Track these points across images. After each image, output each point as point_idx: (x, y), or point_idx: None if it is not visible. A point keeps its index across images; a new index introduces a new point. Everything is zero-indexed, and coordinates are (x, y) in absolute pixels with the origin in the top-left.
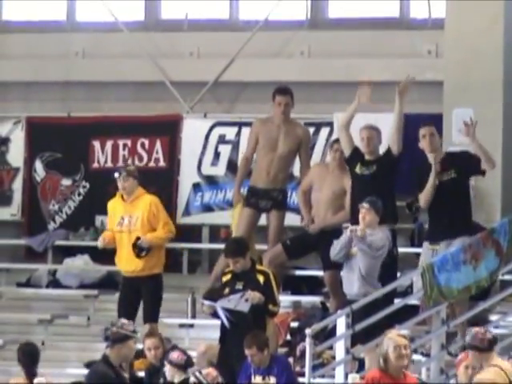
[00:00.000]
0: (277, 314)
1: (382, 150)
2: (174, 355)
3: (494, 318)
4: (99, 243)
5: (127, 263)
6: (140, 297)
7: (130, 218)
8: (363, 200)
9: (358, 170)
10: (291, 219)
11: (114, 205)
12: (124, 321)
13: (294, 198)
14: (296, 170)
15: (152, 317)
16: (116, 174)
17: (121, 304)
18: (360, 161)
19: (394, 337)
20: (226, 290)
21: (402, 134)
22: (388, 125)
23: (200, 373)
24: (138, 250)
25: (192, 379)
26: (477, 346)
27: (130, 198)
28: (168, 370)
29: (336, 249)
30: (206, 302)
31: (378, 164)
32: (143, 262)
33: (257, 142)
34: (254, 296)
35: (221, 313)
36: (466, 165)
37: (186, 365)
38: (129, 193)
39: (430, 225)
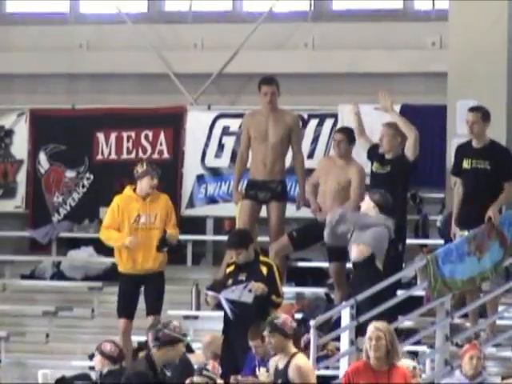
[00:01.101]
0: (280, 306)
1: None
2: (107, 346)
3: (499, 308)
4: (130, 243)
5: (144, 261)
6: (139, 290)
7: (147, 215)
8: None
9: (374, 167)
10: (295, 211)
11: (127, 201)
12: (176, 323)
13: (294, 188)
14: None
15: (157, 309)
16: (147, 171)
17: (123, 299)
18: (377, 159)
19: (369, 328)
20: (230, 281)
21: (416, 140)
22: (389, 116)
23: (207, 370)
24: (163, 244)
25: (202, 379)
26: (282, 330)
27: (148, 195)
28: (98, 360)
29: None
30: (210, 293)
31: (392, 164)
32: (159, 259)
33: (249, 136)
34: (258, 287)
35: (224, 304)
36: (500, 164)
37: (117, 358)
38: (150, 192)
39: (461, 210)
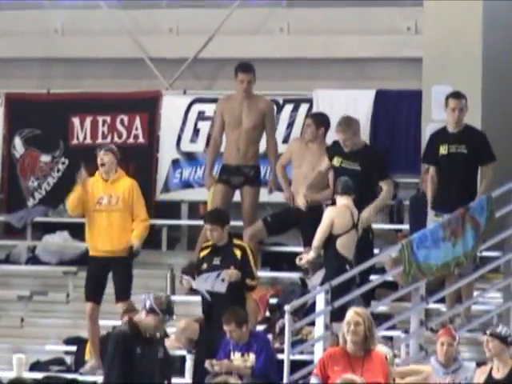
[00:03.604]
0: (255, 288)
1: None
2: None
3: (474, 294)
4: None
5: (106, 243)
6: (107, 274)
7: (109, 197)
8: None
9: (335, 163)
10: (269, 196)
11: (93, 184)
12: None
13: (267, 173)
14: (262, 144)
15: (126, 295)
16: (98, 150)
17: (91, 283)
18: (338, 154)
19: (348, 313)
20: (204, 265)
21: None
22: (364, 101)
23: None
24: (132, 255)
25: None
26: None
27: (110, 177)
28: None
29: None
30: (185, 277)
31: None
32: (121, 241)
33: (223, 121)
34: (231, 274)
35: (200, 289)
36: (477, 148)
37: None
38: (107, 170)
39: (437, 195)
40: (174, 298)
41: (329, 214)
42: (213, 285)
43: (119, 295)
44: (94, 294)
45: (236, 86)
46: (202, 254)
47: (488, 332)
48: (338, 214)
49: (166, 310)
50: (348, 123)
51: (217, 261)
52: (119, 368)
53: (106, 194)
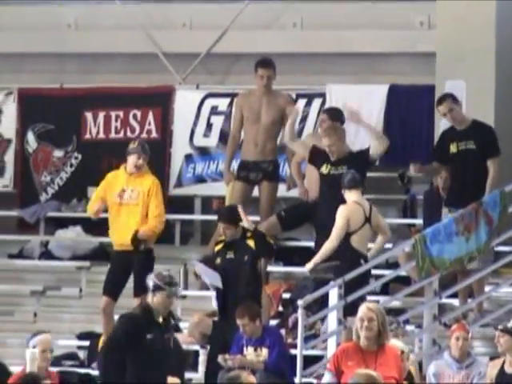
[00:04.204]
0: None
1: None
2: None
3: (486, 289)
4: (93, 213)
5: (124, 236)
6: (129, 271)
7: (131, 191)
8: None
9: (324, 170)
10: (285, 191)
11: (117, 176)
12: (164, 273)
13: (286, 169)
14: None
15: (143, 290)
16: (135, 149)
17: (110, 277)
18: (326, 161)
19: (361, 309)
20: (218, 260)
21: (385, 148)
22: (377, 96)
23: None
24: (137, 242)
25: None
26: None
27: (136, 172)
28: None
29: None
30: (200, 265)
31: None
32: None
33: (242, 117)
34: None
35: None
36: (485, 142)
37: None
38: (134, 171)
39: (451, 192)
40: (187, 292)
41: (342, 214)
42: (211, 281)
43: (137, 290)
44: (112, 288)
45: (256, 82)
46: (217, 248)
47: (499, 327)
48: (351, 212)
49: (169, 282)
50: (334, 129)
51: (230, 255)
52: (114, 361)
53: (128, 188)
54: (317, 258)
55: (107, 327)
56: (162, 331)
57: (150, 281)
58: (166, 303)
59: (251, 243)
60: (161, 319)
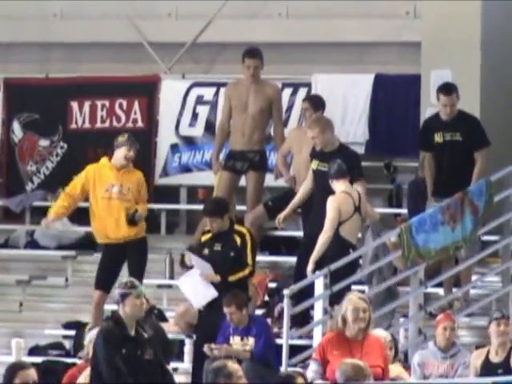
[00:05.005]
0: (250, 275)
1: None
2: None
3: (473, 278)
4: (53, 217)
5: (117, 230)
6: (122, 262)
7: (120, 187)
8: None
9: (313, 166)
10: (271, 180)
11: (101, 171)
12: (125, 279)
13: (273, 158)
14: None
15: (139, 279)
16: (125, 142)
17: (103, 270)
18: (314, 157)
19: (353, 299)
20: (206, 251)
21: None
22: (363, 85)
23: None
24: (132, 222)
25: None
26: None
27: (123, 167)
28: None
29: None
30: (189, 253)
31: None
32: (133, 227)
33: (230, 106)
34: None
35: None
36: (471, 134)
37: None
38: (126, 164)
39: (436, 182)
40: (172, 282)
41: (332, 205)
42: (206, 296)
43: (134, 278)
44: (105, 282)
45: (243, 72)
46: (204, 238)
47: (497, 315)
48: (340, 203)
49: (131, 285)
50: (317, 121)
51: (218, 247)
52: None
53: (118, 183)
54: (314, 255)
55: (97, 319)
56: (134, 346)
57: (116, 295)
58: (137, 305)
59: (238, 239)
60: (133, 332)
